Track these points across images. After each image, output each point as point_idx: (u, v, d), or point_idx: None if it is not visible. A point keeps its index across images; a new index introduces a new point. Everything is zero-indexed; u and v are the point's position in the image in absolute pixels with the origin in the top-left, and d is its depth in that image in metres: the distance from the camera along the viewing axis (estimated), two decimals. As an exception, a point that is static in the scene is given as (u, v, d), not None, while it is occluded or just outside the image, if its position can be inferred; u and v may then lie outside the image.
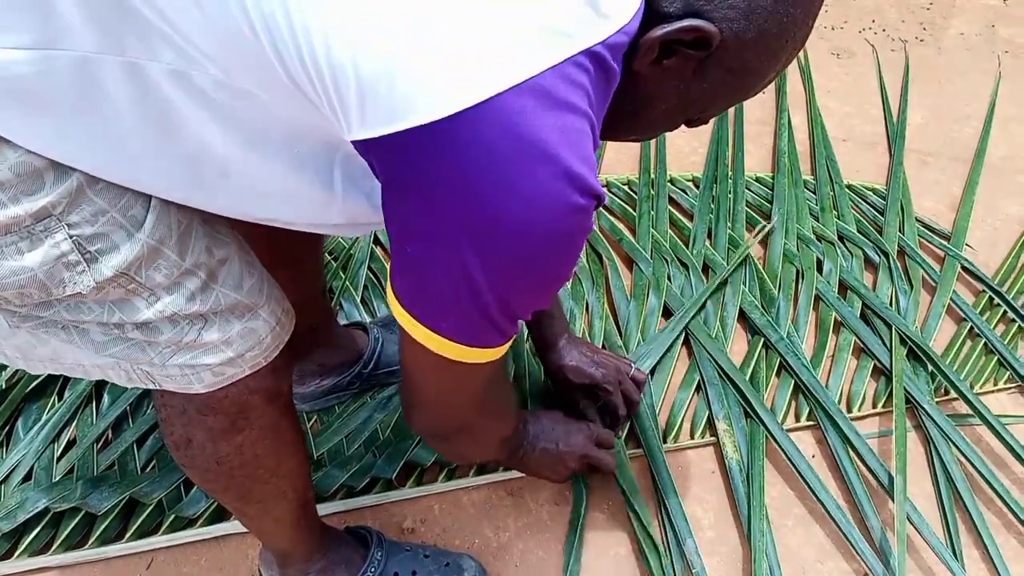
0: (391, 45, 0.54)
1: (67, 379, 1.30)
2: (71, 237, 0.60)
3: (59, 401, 1.28)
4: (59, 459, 1.22)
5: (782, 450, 1.28)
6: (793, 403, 1.36)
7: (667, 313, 1.49)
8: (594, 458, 1.17)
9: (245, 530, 1.15)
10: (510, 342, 0.71)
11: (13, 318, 0.66)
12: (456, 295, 0.63)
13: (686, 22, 0.63)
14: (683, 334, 1.44)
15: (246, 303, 0.73)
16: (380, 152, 0.58)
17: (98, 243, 0.62)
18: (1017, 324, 1.49)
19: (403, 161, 0.57)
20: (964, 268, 1.59)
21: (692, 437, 1.31)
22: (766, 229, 1.63)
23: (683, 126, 0.78)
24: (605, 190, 0.61)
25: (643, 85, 0.68)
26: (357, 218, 0.73)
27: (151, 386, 0.76)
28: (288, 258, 0.89)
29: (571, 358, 1.22)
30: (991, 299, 1.54)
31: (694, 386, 1.37)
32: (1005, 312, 1.52)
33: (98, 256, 0.62)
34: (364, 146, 0.58)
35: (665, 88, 0.69)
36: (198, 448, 0.82)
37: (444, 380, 0.75)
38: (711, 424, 1.32)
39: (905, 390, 1.35)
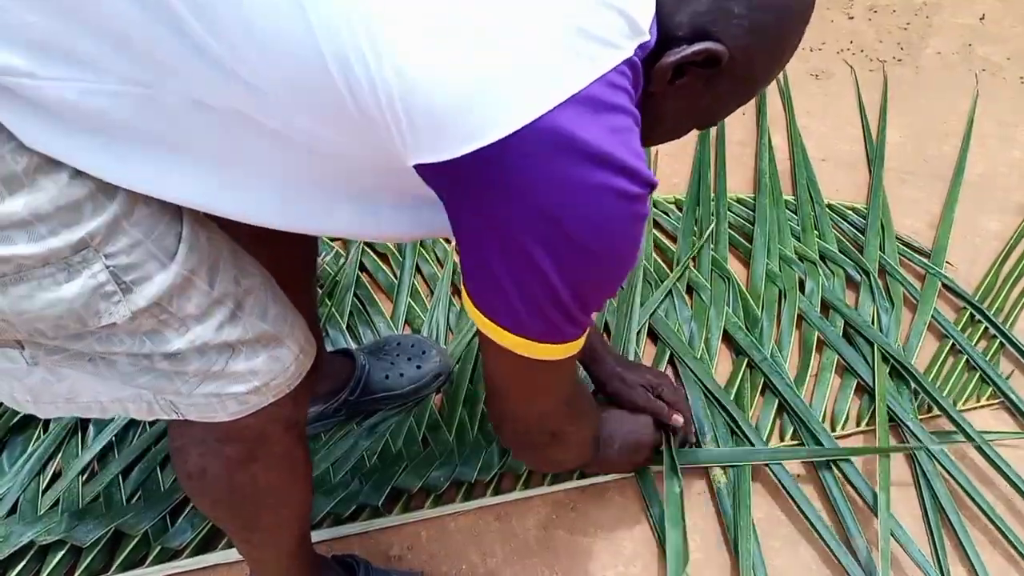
0: (462, 74, 0.57)
1: (52, 411, 1.30)
2: (108, 268, 0.62)
3: (44, 433, 1.28)
4: (44, 492, 1.21)
5: (769, 470, 1.28)
6: (778, 422, 1.37)
7: (652, 335, 1.50)
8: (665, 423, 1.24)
9: (231, 561, 1.15)
10: (585, 335, 0.76)
11: (39, 352, 0.67)
12: (534, 298, 0.68)
13: (697, 46, 0.68)
14: (668, 354, 1.46)
15: (272, 332, 0.75)
16: (449, 173, 0.61)
17: (133, 273, 0.63)
18: (998, 340, 1.51)
19: (472, 178, 0.61)
20: (945, 285, 1.60)
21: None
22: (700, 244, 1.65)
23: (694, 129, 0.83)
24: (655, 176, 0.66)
25: (657, 103, 0.72)
26: (401, 238, 0.76)
27: (174, 416, 0.76)
28: (281, 286, 0.90)
29: (622, 366, 1.28)
30: (972, 316, 1.55)
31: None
32: (986, 328, 1.53)
33: (133, 286, 0.64)
34: (430, 169, 0.61)
35: (677, 104, 0.74)
36: (212, 478, 0.83)
37: (530, 383, 0.79)
38: (697, 445, 1.33)
39: (888, 408, 1.36)
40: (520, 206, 0.62)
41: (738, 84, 0.75)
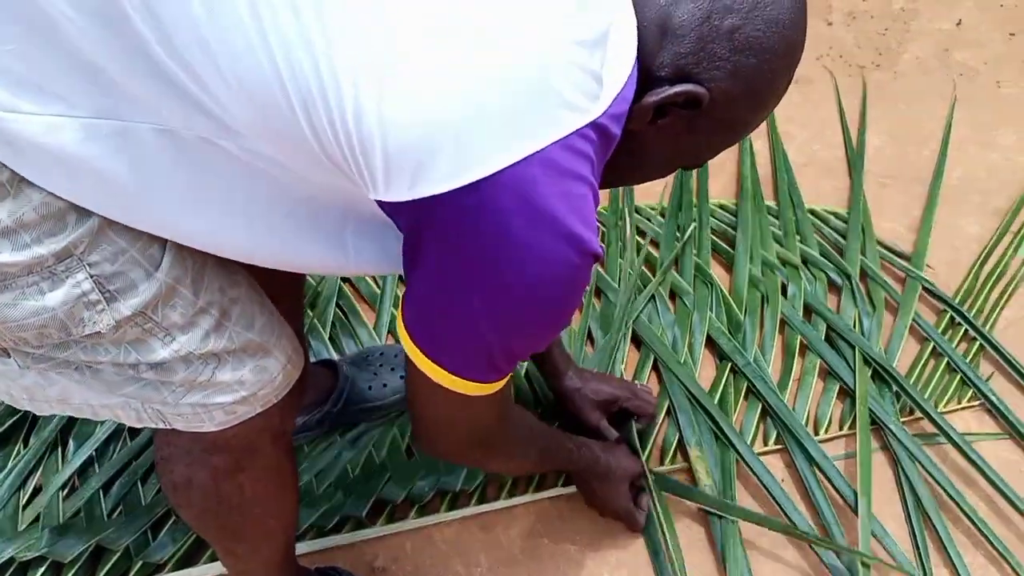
0: (417, 119, 0.58)
1: (32, 426, 1.29)
2: (92, 276, 0.62)
3: (24, 448, 1.27)
4: (25, 507, 1.21)
5: (754, 474, 1.29)
6: (761, 426, 1.38)
7: (635, 340, 1.50)
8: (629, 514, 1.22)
9: (214, 575, 1.14)
10: (506, 379, 0.77)
11: (26, 359, 0.67)
12: (462, 339, 0.69)
13: (678, 88, 0.69)
14: (652, 359, 1.46)
15: (258, 342, 0.75)
16: (402, 212, 0.62)
17: (117, 282, 0.64)
18: (979, 343, 1.51)
19: (422, 221, 0.62)
20: (925, 288, 1.61)
21: (662, 463, 1.32)
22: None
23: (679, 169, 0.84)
24: (602, 247, 0.66)
25: (639, 142, 0.73)
26: (368, 271, 0.78)
27: (161, 425, 0.76)
28: (269, 297, 0.90)
29: (583, 380, 1.29)
30: (952, 318, 1.56)
31: (664, 411, 1.38)
32: (966, 331, 1.54)
33: (117, 295, 0.64)
34: (387, 206, 0.62)
35: (659, 144, 0.75)
36: (198, 488, 0.83)
37: (441, 407, 0.79)
38: (681, 449, 1.33)
39: (871, 411, 1.37)
40: (464, 256, 0.63)
41: (721, 127, 0.75)
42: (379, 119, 0.57)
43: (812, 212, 1.79)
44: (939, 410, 1.40)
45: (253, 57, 0.56)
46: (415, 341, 0.71)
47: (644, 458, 1.29)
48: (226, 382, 0.73)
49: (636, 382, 1.36)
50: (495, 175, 0.59)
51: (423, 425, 0.84)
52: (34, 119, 0.56)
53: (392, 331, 1.50)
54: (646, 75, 0.69)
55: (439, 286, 0.67)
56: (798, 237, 1.71)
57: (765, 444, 1.35)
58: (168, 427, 0.76)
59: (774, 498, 1.26)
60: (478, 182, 0.59)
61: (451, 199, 0.59)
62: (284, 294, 1.09)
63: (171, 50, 0.55)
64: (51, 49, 0.55)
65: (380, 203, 0.62)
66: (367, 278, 1.59)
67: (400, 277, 1.59)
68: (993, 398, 1.41)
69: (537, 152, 0.60)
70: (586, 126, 0.62)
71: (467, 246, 0.63)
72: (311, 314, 1.50)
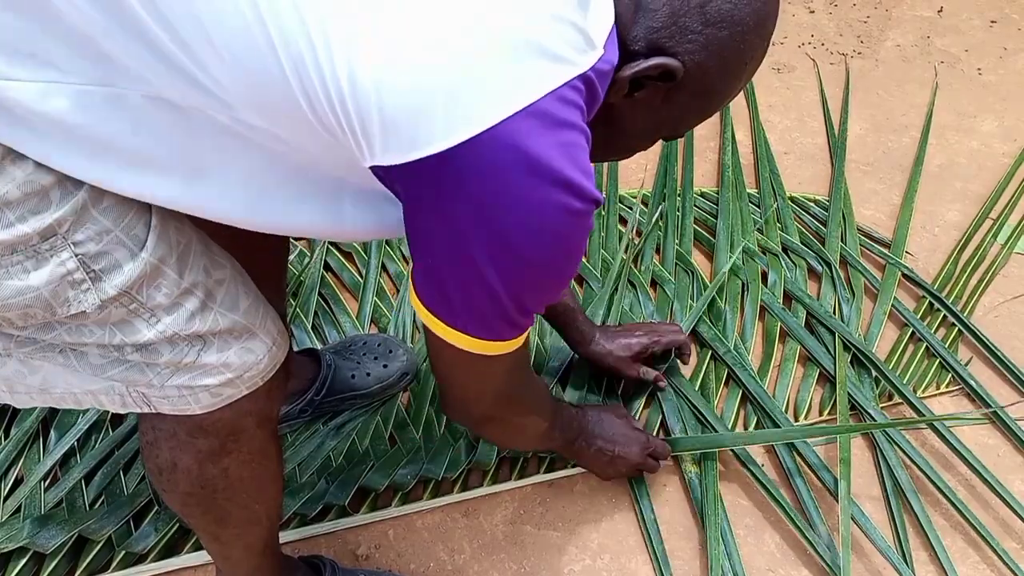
0: (410, 80, 0.59)
1: (13, 416, 1.29)
2: (76, 255, 0.62)
3: (5, 439, 1.26)
4: (6, 498, 1.20)
5: (736, 457, 1.29)
6: (742, 412, 1.38)
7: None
8: (647, 466, 1.23)
9: (197, 564, 1.14)
10: (526, 334, 0.78)
11: (10, 343, 0.67)
12: (474, 299, 0.69)
13: (652, 61, 0.70)
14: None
15: (243, 324, 0.75)
16: (399, 176, 0.62)
17: (102, 261, 0.64)
18: (957, 328, 1.53)
19: (422, 183, 0.62)
20: (904, 275, 1.63)
21: (645, 450, 1.32)
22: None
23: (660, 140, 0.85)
24: (601, 193, 0.68)
25: (617, 115, 0.74)
26: (366, 236, 0.79)
27: (146, 409, 0.76)
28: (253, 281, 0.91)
29: (610, 340, 1.32)
30: (931, 304, 1.57)
31: (645, 396, 1.39)
32: (945, 317, 1.55)
33: (102, 275, 0.64)
34: (384, 171, 0.62)
35: (637, 116, 0.76)
36: (183, 472, 0.83)
37: (466, 373, 0.81)
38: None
39: (850, 396, 1.38)
40: (466, 214, 0.63)
41: (697, 98, 0.76)
42: (374, 83, 0.58)
43: (793, 199, 1.80)
44: (918, 395, 1.41)
45: (245, 29, 0.56)
46: (429, 308, 0.72)
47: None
48: (212, 364, 0.73)
49: (654, 319, 1.39)
50: (490, 130, 0.59)
51: (451, 392, 0.86)
52: (28, 86, 0.57)
53: (375, 320, 1.50)
54: (622, 50, 0.70)
55: (444, 248, 0.67)
56: (779, 225, 1.72)
57: (746, 430, 1.36)
58: (153, 411, 0.76)
59: (757, 478, 1.26)
60: (474, 138, 0.59)
61: (448, 157, 0.60)
62: (267, 279, 1.09)
63: (163, 23, 0.56)
64: (41, 20, 0.56)
65: (376, 170, 0.62)
66: (349, 267, 1.59)
67: (384, 266, 1.59)
68: (972, 382, 1.43)
69: (529, 105, 0.60)
70: (576, 78, 0.63)
71: (467, 204, 0.63)
72: (293, 303, 1.49)
